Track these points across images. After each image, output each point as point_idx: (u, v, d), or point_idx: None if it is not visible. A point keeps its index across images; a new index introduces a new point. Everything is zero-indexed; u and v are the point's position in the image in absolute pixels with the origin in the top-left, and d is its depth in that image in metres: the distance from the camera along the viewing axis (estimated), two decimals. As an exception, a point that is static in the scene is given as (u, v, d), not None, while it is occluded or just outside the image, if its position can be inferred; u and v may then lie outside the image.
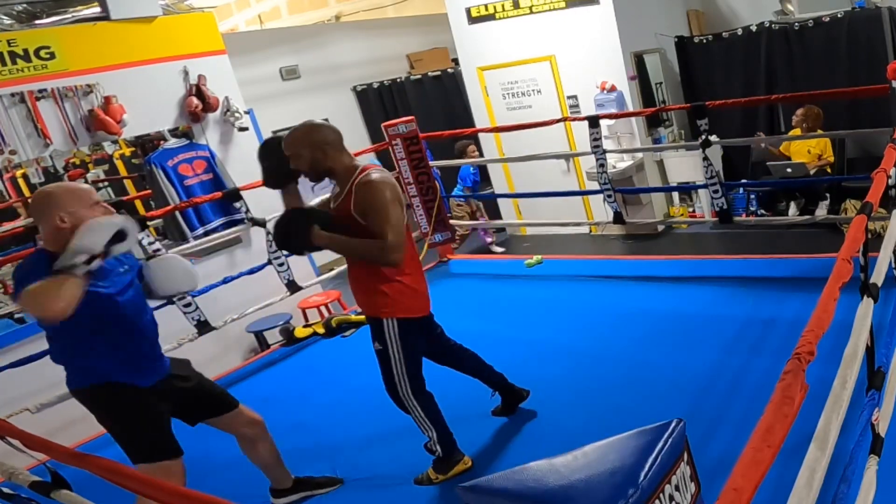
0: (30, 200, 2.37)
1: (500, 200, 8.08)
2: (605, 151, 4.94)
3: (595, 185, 5.24)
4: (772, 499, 1.58)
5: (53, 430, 3.66)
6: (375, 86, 8.88)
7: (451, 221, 5.89)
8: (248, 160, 5.54)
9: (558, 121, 5.37)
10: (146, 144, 5.77)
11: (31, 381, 3.90)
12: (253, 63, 7.53)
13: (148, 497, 1.86)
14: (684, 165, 6.99)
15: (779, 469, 1.39)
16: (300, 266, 5.29)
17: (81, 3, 5.11)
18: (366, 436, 3.40)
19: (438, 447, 2.91)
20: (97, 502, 2.15)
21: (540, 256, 5.48)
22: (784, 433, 1.34)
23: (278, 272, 4.92)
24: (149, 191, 5.43)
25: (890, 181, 3.24)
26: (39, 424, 3.44)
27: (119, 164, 6.71)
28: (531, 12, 7.06)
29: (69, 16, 5.03)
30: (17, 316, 4.38)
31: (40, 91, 4.60)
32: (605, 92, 6.90)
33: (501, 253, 7.26)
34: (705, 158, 4.56)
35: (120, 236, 2.27)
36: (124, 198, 5.88)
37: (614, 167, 6.67)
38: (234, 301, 4.79)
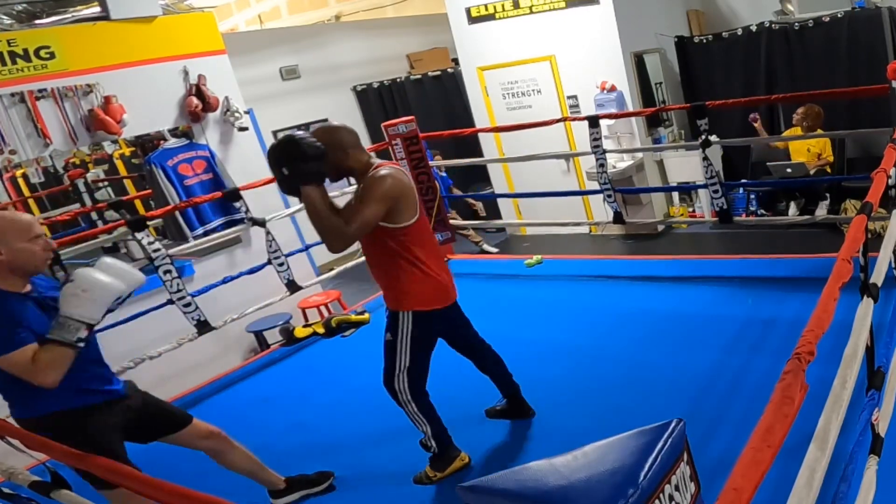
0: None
1: (500, 200, 8.08)
2: (605, 151, 4.94)
3: (595, 185, 5.24)
4: (772, 499, 1.58)
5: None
6: (375, 86, 8.88)
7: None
8: (247, 160, 5.57)
9: (558, 121, 5.37)
10: (146, 144, 5.76)
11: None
12: (253, 63, 7.53)
13: (148, 497, 1.86)
14: (684, 165, 6.99)
15: (779, 469, 1.39)
16: (300, 266, 5.29)
17: (81, 3, 5.11)
18: (366, 436, 3.39)
19: (433, 442, 2.91)
20: (97, 502, 2.15)
21: (540, 256, 5.48)
22: (784, 433, 1.34)
23: (278, 272, 4.92)
24: (149, 191, 5.43)
25: (890, 181, 3.24)
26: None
27: (119, 163, 6.71)
28: (531, 12, 7.06)
29: (69, 16, 5.03)
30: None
31: (40, 91, 4.60)
32: (605, 92, 6.90)
33: (496, 253, 7.22)
34: (705, 158, 4.56)
35: (121, 300, 2.25)
36: (124, 198, 5.90)
37: (614, 167, 6.67)
38: (234, 301, 4.79)
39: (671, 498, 1.79)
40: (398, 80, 8.88)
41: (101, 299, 2.21)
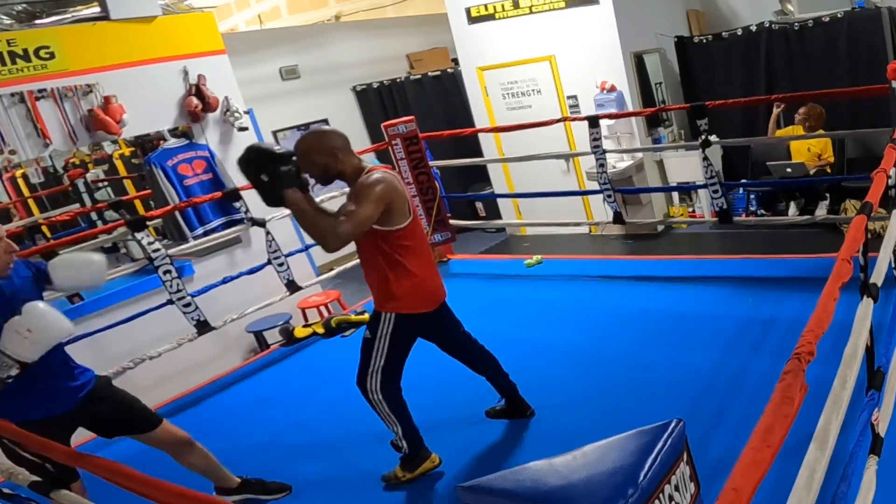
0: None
1: (500, 200, 8.08)
2: (604, 151, 4.94)
3: (595, 185, 5.24)
4: (772, 499, 1.58)
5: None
6: (375, 86, 8.87)
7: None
8: (247, 160, 5.56)
9: (558, 121, 5.37)
10: (146, 144, 5.76)
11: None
12: (253, 63, 7.52)
13: (147, 497, 1.86)
14: (684, 165, 6.99)
15: (779, 469, 1.39)
16: (300, 266, 5.29)
17: (81, 3, 5.11)
18: (366, 436, 3.39)
19: (404, 442, 2.92)
20: (97, 502, 2.15)
21: (540, 256, 5.48)
22: (784, 433, 1.34)
23: (278, 272, 4.92)
24: (148, 191, 5.43)
25: (890, 181, 3.24)
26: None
27: (119, 164, 6.70)
28: (531, 12, 7.06)
29: (69, 16, 5.03)
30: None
31: (40, 91, 4.59)
32: (604, 92, 6.90)
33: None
34: (705, 158, 4.56)
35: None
36: (124, 198, 5.90)
37: (614, 167, 6.67)
38: (233, 301, 4.79)
39: (671, 498, 1.79)
40: (398, 80, 8.87)
41: (42, 342, 2.21)
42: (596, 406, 3.23)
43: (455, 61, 8.49)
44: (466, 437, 3.17)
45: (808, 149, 6.46)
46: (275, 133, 7.85)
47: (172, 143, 5.28)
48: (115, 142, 6.13)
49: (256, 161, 2.59)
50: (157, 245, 4.34)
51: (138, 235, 4.26)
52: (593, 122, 4.88)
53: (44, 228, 5.54)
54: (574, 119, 5.51)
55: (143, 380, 4.49)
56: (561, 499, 1.76)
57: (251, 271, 4.91)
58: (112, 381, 2.82)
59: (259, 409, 4.04)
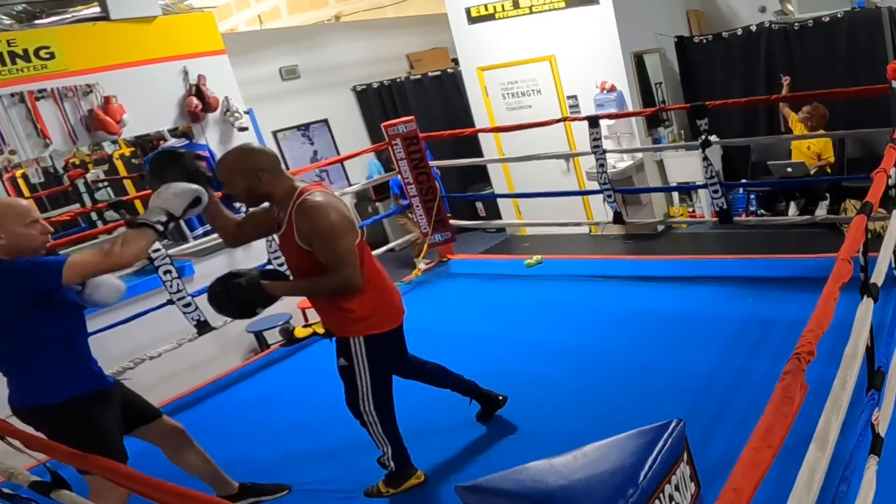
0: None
1: (500, 200, 8.08)
2: (604, 151, 4.93)
3: (595, 185, 5.24)
4: (772, 499, 1.58)
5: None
6: (375, 86, 8.87)
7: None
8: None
9: (558, 121, 5.37)
10: (146, 144, 5.77)
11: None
12: (253, 63, 7.52)
13: (147, 497, 1.86)
14: (684, 165, 6.99)
15: (779, 469, 1.39)
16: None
17: (81, 3, 5.11)
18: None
19: (392, 463, 2.86)
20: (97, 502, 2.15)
21: (540, 256, 5.47)
22: (784, 433, 1.34)
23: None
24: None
25: (890, 181, 3.25)
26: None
27: (119, 164, 6.70)
28: (531, 12, 7.06)
29: (69, 16, 5.03)
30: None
31: (40, 91, 4.60)
32: (604, 92, 6.90)
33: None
34: (705, 158, 4.55)
35: (196, 202, 2.47)
36: (124, 198, 5.88)
37: (614, 167, 6.67)
38: (234, 301, 4.78)
39: (671, 498, 1.79)
40: (398, 80, 8.88)
41: (182, 194, 2.46)
42: (596, 406, 3.23)
43: (455, 61, 8.49)
44: (466, 437, 3.17)
45: (808, 147, 6.47)
46: (275, 133, 7.86)
47: (172, 143, 5.29)
48: (115, 142, 6.13)
49: (223, 291, 2.48)
50: (157, 245, 4.33)
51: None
52: (593, 122, 4.88)
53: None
54: (574, 119, 5.51)
55: (143, 380, 4.48)
56: (561, 499, 1.75)
57: (251, 271, 4.90)
58: None
59: (259, 409, 4.04)
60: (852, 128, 6.15)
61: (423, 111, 8.06)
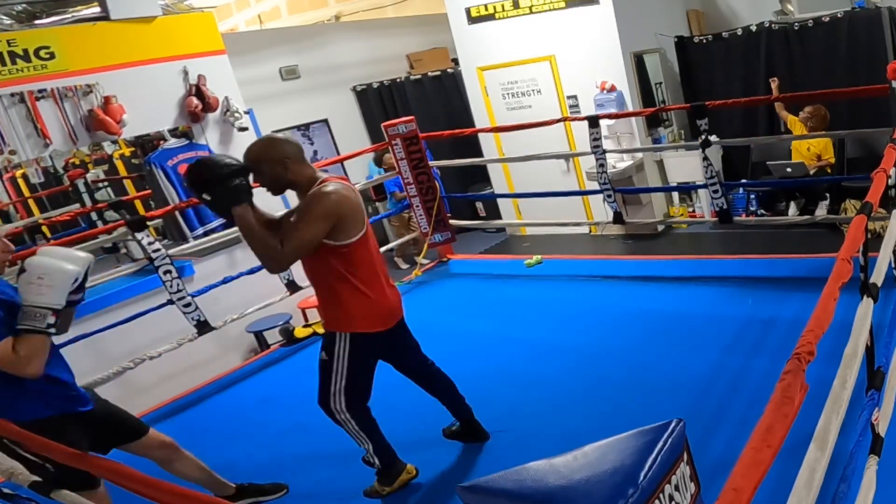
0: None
1: (500, 200, 8.08)
2: (604, 151, 4.94)
3: (595, 185, 5.24)
4: (772, 499, 1.58)
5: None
6: (375, 86, 8.87)
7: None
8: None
9: (558, 121, 5.37)
10: (146, 144, 5.77)
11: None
12: (253, 63, 7.53)
13: (147, 497, 1.86)
14: (684, 165, 6.99)
15: (779, 469, 1.39)
16: (300, 266, 5.28)
17: (81, 3, 5.11)
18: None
19: (375, 458, 2.86)
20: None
21: (540, 256, 5.48)
22: (784, 433, 1.34)
23: (278, 272, 4.91)
24: (149, 191, 5.43)
25: (890, 181, 3.25)
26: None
27: (119, 164, 6.70)
28: (531, 12, 7.06)
29: (69, 16, 5.03)
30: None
31: (40, 91, 4.60)
32: (604, 92, 6.90)
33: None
34: (705, 158, 4.56)
35: (79, 282, 2.21)
36: (124, 198, 5.90)
37: (614, 167, 6.67)
38: (234, 301, 4.79)
39: (671, 498, 1.79)
40: (398, 80, 8.88)
41: (59, 284, 2.18)
42: (596, 406, 3.23)
43: (455, 61, 8.49)
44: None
45: (808, 148, 6.46)
46: (274, 133, 7.85)
47: (172, 143, 5.28)
48: (115, 142, 6.13)
49: (196, 180, 2.49)
50: (157, 245, 4.33)
51: (138, 236, 4.26)
52: (593, 122, 4.88)
53: (44, 229, 5.55)
54: (574, 119, 5.51)
55: (143, 380, 4.50)
56: (561, 499, 1.75)
57: (251, 271, 4.90)
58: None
59: (259, 409, 4.04)
60: (852, 128, 6.14)
61: (423, 111, 8.07)
